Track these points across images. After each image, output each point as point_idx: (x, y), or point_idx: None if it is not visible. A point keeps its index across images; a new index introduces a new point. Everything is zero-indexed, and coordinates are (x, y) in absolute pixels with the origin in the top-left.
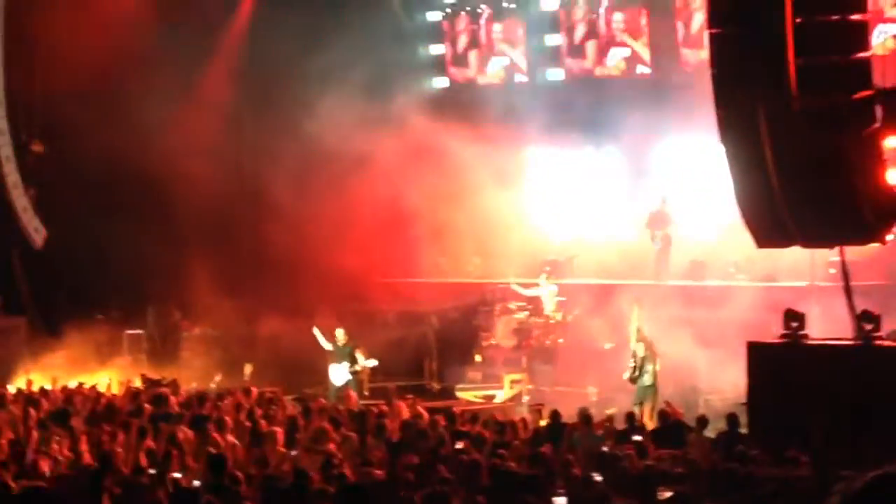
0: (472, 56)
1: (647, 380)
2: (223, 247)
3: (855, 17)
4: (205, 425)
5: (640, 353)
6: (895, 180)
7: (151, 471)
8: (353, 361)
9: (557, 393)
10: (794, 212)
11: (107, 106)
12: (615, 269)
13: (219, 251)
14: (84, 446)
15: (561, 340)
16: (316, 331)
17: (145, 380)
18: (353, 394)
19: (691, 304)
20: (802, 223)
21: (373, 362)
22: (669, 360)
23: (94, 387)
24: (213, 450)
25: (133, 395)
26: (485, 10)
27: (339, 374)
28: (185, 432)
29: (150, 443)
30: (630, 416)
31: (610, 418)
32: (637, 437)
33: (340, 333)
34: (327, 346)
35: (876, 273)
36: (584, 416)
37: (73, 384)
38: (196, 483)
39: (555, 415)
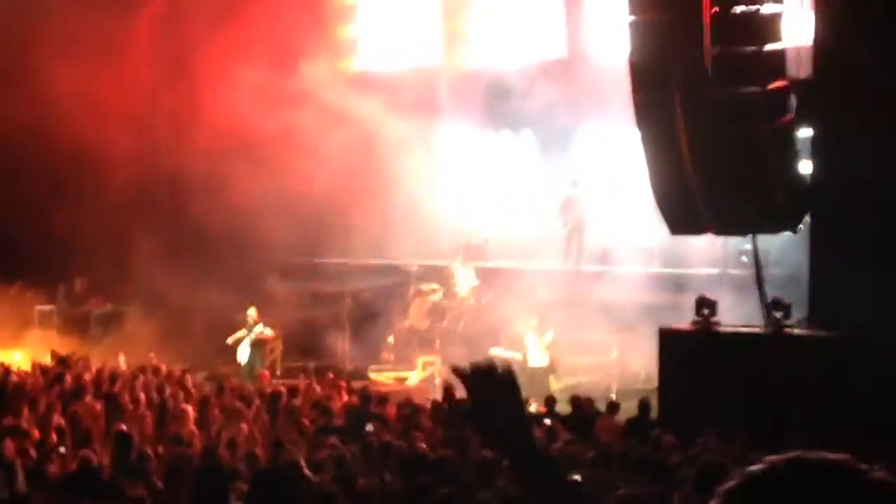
0: (390, 38)
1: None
2: (137, 223)
3: (769, 8)
4: (115, 403)
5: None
6: (807, 170)
7: (61, 448)
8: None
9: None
10: (708, 199)
11: (19, 79)
12: (529, 253)
13: (133, 227)
14: None
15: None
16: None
17: (55, 356)
18: (267, 373)
19: (603, 290)
20: (716, 211)
21: (267, 331)
22: (582, 345)
23: (1, 362)
24: (122, 427)
25: (42, 371)
26: None
27: (243, 350)
28: (94, 409)
29: (58, 419)
30: (550, 400)
31: (526, 401)
32: (547, 421)
33: (252, 312)
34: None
35: (787, 262)
36: None
37: None
38: (105, 461)
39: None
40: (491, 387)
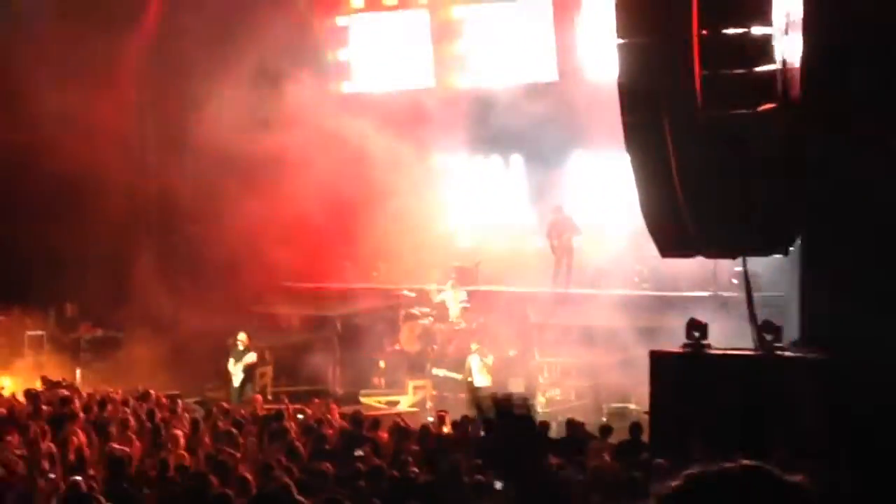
0: (380, 61)
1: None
2: (128, 247)
3: (759, 30)
4: (106, 428)
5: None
6: (798, 192)
7: (51, 475)
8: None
9: (461, 399)
10: (699, 222)
11: (6, 101)
12: (520, 277)
13: (124, 252)
14: None
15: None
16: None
17: (45, 381)
18: (259, 397)
19: (594, 313)
20: (706, 233)
21: (249, 357)
22: (573, 369)
23: None
24: (113, 453)
25: (32, 396)
26: (393, 15)
27: (235, 374)
28: (85, 435)
29: (49, 446)
30: (543, 425)
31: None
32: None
33: (242, 337)
34: (236, 365)
35: (778, 284)
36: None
37: None
38: (96, 487)
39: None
40: (511, 423)
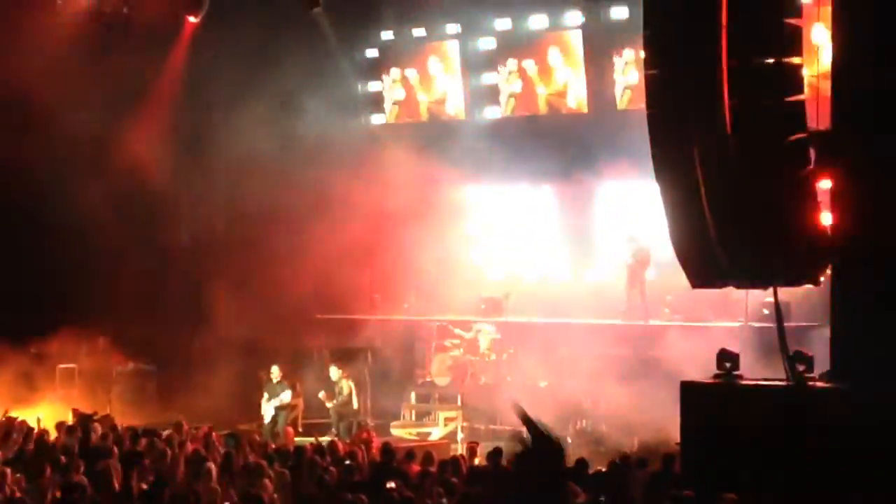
0: (410, 93)
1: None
2: (159, 281)
3: (789, 59)
4: (139, 461)
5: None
6: (828, 222)
7: None
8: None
9: (492, 430)
10: (729, 252)
11: (39, 132)
12: (550, 308)
13: (154, 286)
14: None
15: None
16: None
17: (77, 414)
18: (291, 430)
19: (625, 344)
20: (737, 264)
21: (287, 397)
22: (604, 399)
23: (24, 421)
24: (145, 486)
25: (65, 429)
26: (423, 47)
27: (267, 410)
28: (117, 468)
29: (81, 479)
30: (580, 462)
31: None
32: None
33: (275, 371)
34: (270, 400)
35: (809, 314)
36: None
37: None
38: None
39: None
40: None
